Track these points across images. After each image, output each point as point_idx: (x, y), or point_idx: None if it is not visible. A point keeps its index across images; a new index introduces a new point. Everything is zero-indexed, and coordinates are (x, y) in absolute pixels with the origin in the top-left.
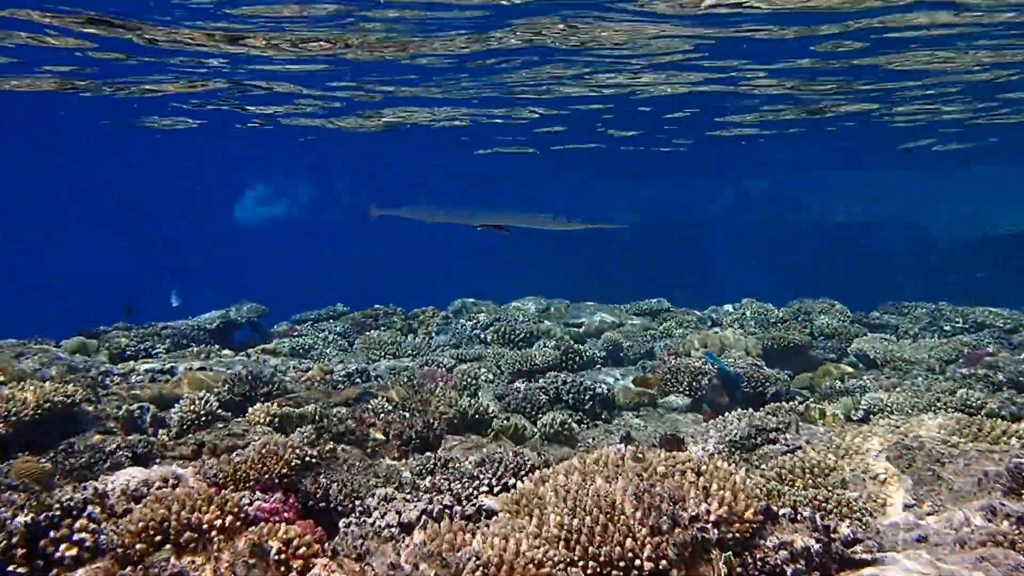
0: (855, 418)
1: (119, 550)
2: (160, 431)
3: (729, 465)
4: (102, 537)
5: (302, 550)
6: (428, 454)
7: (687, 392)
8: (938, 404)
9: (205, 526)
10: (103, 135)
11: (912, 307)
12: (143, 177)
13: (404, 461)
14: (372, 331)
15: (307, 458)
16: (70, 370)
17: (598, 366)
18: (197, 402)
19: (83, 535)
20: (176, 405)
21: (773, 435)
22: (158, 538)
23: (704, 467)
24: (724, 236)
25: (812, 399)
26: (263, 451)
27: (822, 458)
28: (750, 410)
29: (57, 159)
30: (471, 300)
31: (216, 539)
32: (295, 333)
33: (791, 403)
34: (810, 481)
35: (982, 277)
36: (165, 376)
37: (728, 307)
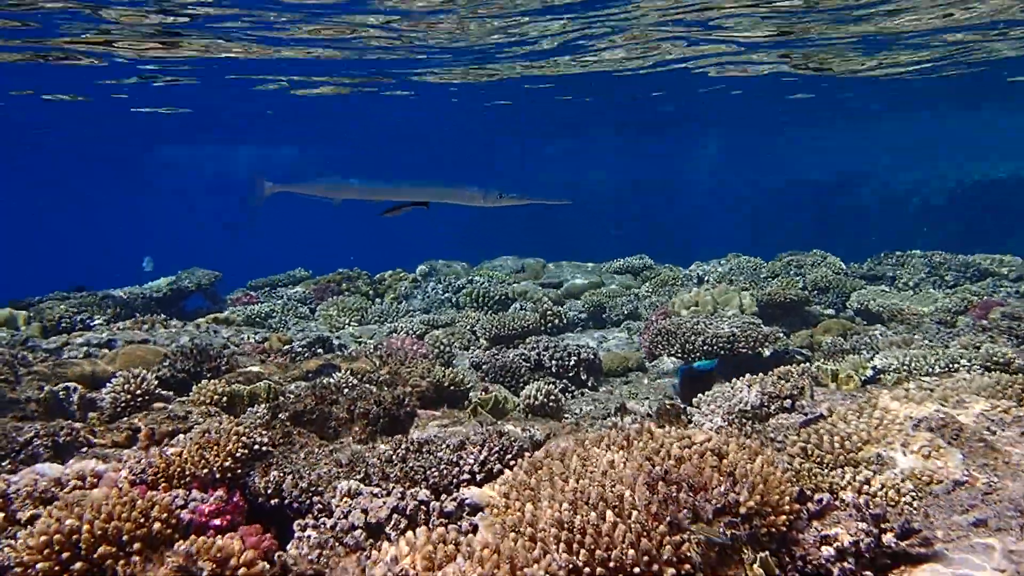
0: (863, 378)
1: (17, 570)
2: (90, 415)
3: (754, 443)
4: None
5: (242, 571)
6: (399, 436)
7: (679, 354)
8: (961, 362)
9: (126, 537)
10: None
11: (907, 256)
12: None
13: (371, 444)
14: (335, 296)
15: (255, 446)
16: None
17: (579, 328)
18: (132, 381)
19: None
20: (108, 385)
21: (787, 402)
22: (66, 555)
23: (725, 447)
24: (697, 194)
25: (817, 358)
26: (202, 440)
27: (853, 429)
28: (760, 376)
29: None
30: (441, 262)
31: (135, 558)
32: (251, 300)
33: (802, 366)
34: (842, 458)
35: (957, 229)
36: (103, 351)
37: (715, 262)
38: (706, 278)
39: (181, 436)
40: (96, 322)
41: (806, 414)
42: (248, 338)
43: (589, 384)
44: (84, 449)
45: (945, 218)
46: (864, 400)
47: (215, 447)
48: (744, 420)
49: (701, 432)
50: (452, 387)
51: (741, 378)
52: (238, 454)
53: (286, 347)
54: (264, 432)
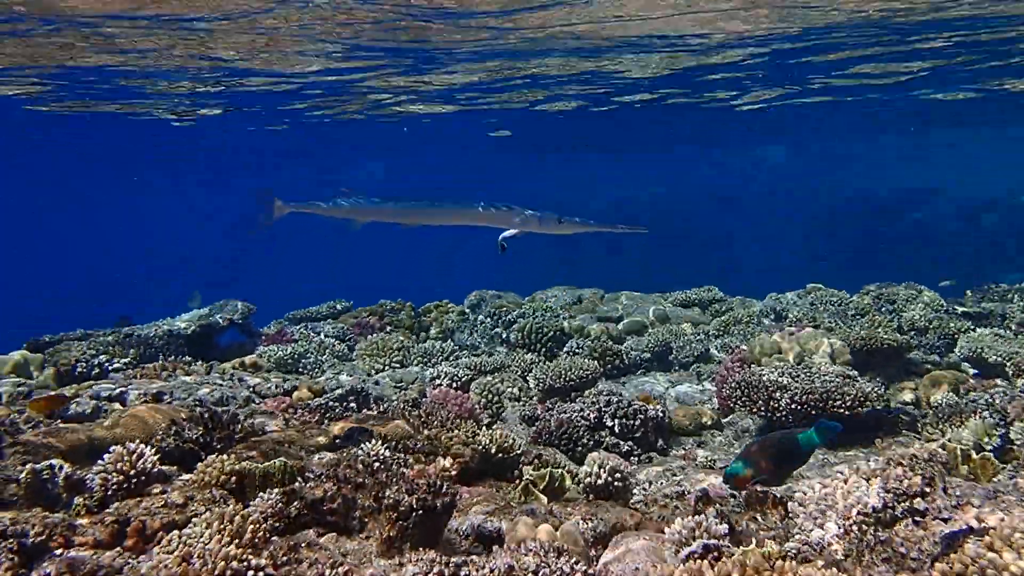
0: (989, 447)
1: None
2: (75, 500)
3: None
4: None
5: None
6: (432, 555)
7: (762, 412)
8: None
9: None
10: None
11: (1016, 290)
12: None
13: (398, 559)
14: (376, 333)
15: (250, 572)
16: None
17: (642, 371)
18: (127, 458)
19: None
20: (99, 463)
21: (918, 503)
22: None
23: None
24: (755, 213)
25: (925, 417)
26: (180, 570)
27: (1016, 557)
28: (880, 461)
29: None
30: (491, 292)
31: None
32: (285, 337)
33: (928, 448)
34: None
35: None
36: (113, 405)
37: (791, 295)
38: (785, 315)
39: (175, 533)
40: (115, 365)
41: (945, 520)
42: (275, 387)
43: (658, 446)
44: (59, 551)
45: None
46: None
47: None
48: (865, 528)
49: (818, 570)
50: (500, 454)
51: (855, 468)
52: None
53: (316, 401)
54: (264, 546)
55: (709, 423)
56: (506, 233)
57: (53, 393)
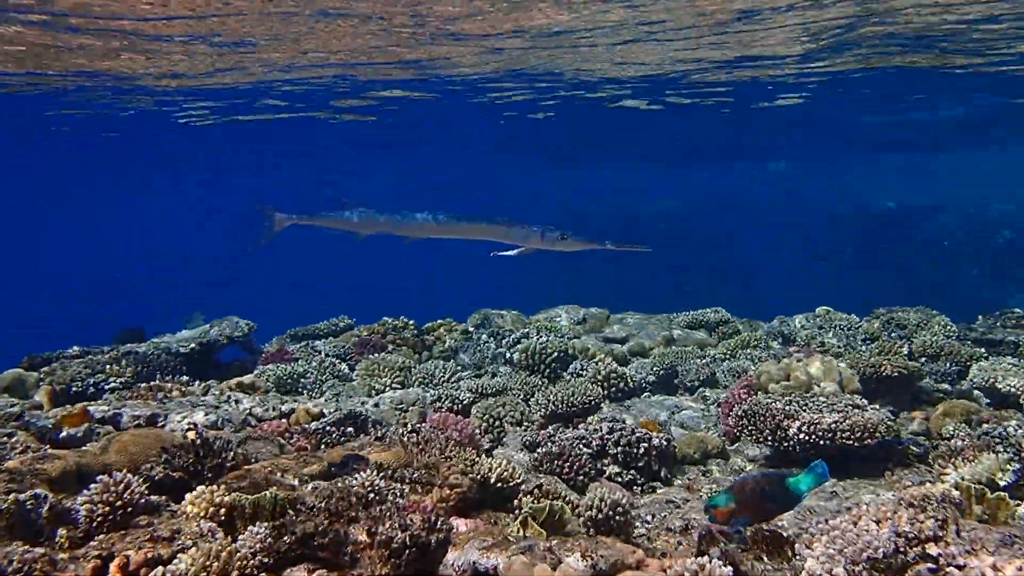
0: (1003, 482)
1: None
2: (60, 531)
3: None
4: None
5: None
6: None
7: (769, 442)
8: None
9: None
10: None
11: None
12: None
13: None
14: (377, 353)
15: None
16: None
17: (647, 394)
18: (114, 488)
19: None
20: (84, 492)
21: (930, 547)
22: None
23: None
24: (757, 229)
25: (935, 447)
26: None
27: None
28: (891, 507)
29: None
30: (495, 311)
31: None
32: (285, 356)
33: (941, 488)
34: None
35: None
36: (107, 427)
37: (800, 318)
38: (792, 337)
39: (160, 570)
40: (110, 385)
41: (960, 567)
42: (272, 410)
43: (662, 475)
44: None
45: None
46: None
47: None
48: (874, 571)
49: None
50: (499, 484)
51: (865, 506)
52: None
53: (312, 425)
54: None
55: (715, 452)
56: (508, 252)
57: (81, 407)
